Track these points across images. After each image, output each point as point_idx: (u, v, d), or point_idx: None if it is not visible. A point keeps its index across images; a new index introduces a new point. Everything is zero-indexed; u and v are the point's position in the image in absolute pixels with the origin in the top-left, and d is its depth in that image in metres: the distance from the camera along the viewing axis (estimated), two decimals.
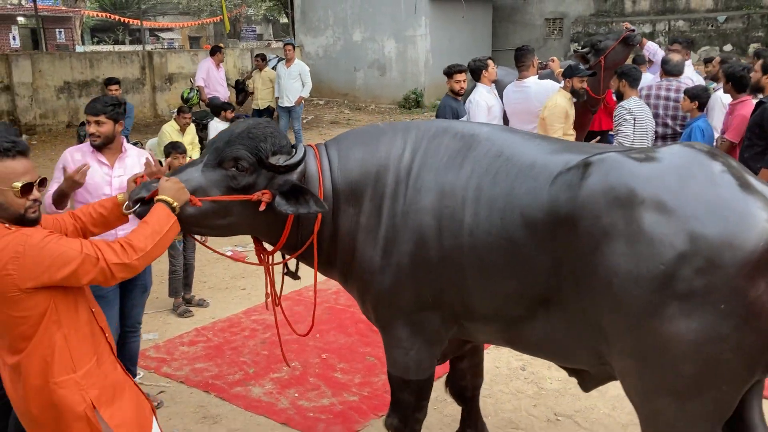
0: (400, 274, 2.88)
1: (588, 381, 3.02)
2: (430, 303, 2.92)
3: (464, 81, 7.01)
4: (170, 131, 7.68)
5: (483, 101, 6.56)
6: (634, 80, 6.15)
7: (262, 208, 2.74)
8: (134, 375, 4.42)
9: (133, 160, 4.07)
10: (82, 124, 10.01)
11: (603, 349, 2.60)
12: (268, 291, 3.17)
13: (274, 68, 12.71)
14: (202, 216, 2.73)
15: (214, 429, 4.12)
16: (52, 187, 3.74)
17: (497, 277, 2.73)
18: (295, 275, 3.22)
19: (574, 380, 4.53)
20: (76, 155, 4.00)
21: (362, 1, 19.14)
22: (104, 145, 3.94)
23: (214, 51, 12.39)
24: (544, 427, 4.07)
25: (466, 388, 3.66)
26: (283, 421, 4.19)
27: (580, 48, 7.83)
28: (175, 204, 2.61)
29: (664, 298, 2.29)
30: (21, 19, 30.17)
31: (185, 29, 35.74)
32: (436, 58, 18.59)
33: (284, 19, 38.73)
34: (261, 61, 12.56)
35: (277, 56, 14.93)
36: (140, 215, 2.65)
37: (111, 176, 3.95)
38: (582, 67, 6.75)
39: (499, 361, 4.89)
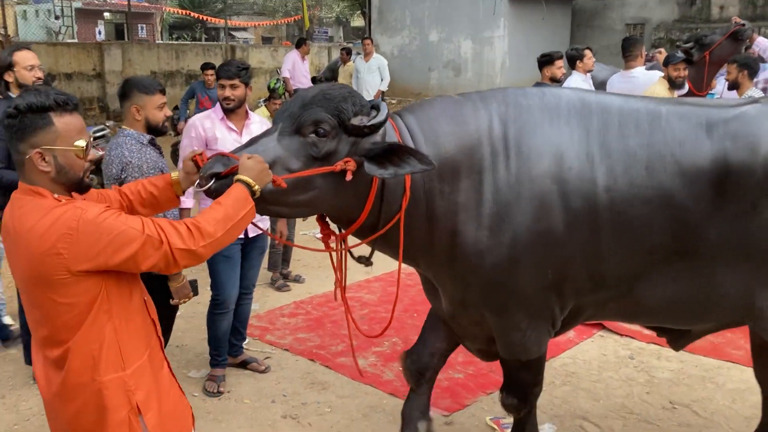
0: (516, 251, 2.66)
1: (684, 339, 3.12)
2: (550, 279, 2.74)
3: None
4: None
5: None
6: (753, 72, 5.95)
7: (349, 177, 2.43)
8: (243, 337, 4.48)
9: (257, 126, 4.14)
10: (176, 108, 10.38)
11: (755, 297, 2.68)
12: (338, 278, 2.82)
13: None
14: (281, 193, 2.39)
15: (323, 395, 4.15)
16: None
17: (642, 231, 2.64)
18: (368, 261, 2.89)
19: (687, 371, 4.45)
20: (205, 122, 4.08)
21: (440, 2, 19.14)
22: (235, 110, 4.02)
23: (300, 43, 12.59)
24: (660, 414, 3.95)
25: (428, 368, 3.36)
26: (390, 391, 4.18)
27: (683, 42, 7.62)
28: (256, 187, 2.24)
29: None
30: (107, 15, 31.41)
31: (259, 29, 36.45)
32: (513, 60, 18.45)
33: (355, 22, 39.07)
34: (346, 54, 12.72)
35: (358, 52, 15.10)
36: (215, 193, 2.31)
37: (240, 142, 4.03)
38: (679, 54, 6.60)
39: (606, 350, 4.78)
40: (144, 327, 2.25)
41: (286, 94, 12.00)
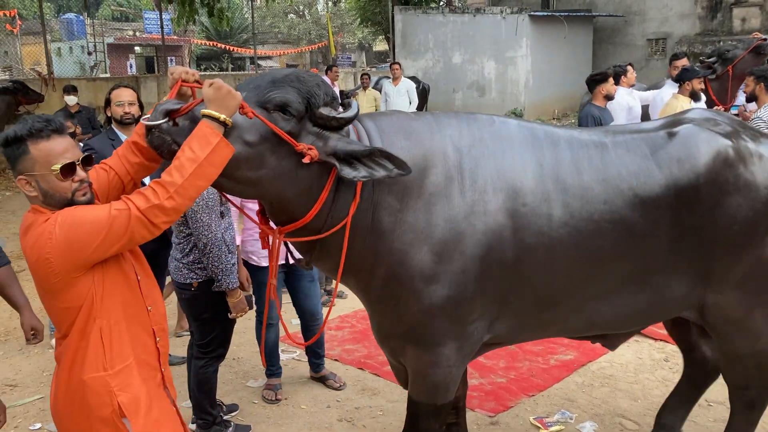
0: (466, 280, 2.60)
1: (620, 339, 3.29)
2: (492, 311, 2.74)
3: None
4: None
5: (624, 102, 6.92)
6: None
7: (306, 160, 2.29)
8: (321, 356, 4.72)
9: None
10: None
11: (706, 293, 2.93)
12: (271, 274, 2.67)
13: (375, 87, 13.23)
14: (232, 164, 2.19)
15: (374, 399, 4.41)
16: None
17: (598, 261, 2.74)
18: (308, 264, 2.74)
19: None
20: None
21: (463, 25, 19.56)
22: None
23: (329, 69, 13.01)
24: (696, 411, 4.12)
25: (458, 398, 3.30)
26: None
27: (706, 57, 7.84)
28: (222, 117, 2.11)
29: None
30: (137, 49, 32.36)
31: (283, 57, 37.18)
32: (536, 78, 18.76)
33: (378, 47, 39.72)
34: (367, 79, 13.09)
35: (379, 77, 15.52)
36: (167, 138, 2.16)
37: None
38: (698, 67, 6.85)
39: (641, 353, 4.98)
40: (135, 333, 2.26)
41: None
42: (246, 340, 5.38)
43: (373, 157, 2.38)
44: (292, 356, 5.11)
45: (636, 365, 4.79)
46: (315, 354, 4.71)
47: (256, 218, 2.70)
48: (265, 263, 4.22)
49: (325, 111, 2.38)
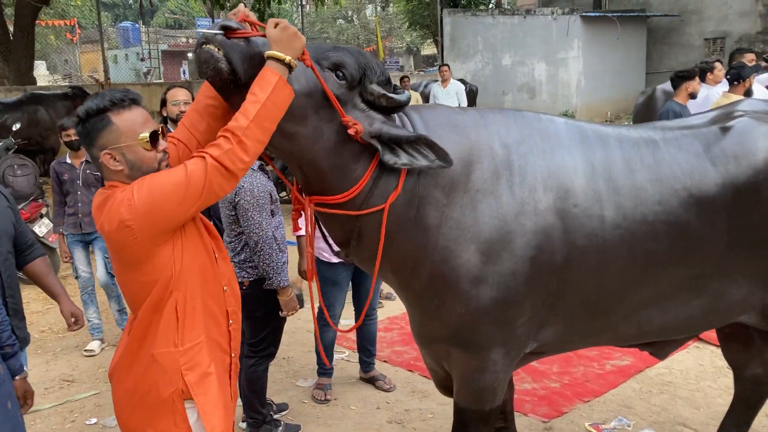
0: (516, 282, 2.49)
1: (670, 346, 3.10)
2: (538, 313, 2.61)
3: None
4: None
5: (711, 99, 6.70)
6: None
7: (351, 132, 2.21)
8: (372, 354, 4.70)
9: None
10: None
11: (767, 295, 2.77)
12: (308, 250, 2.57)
13: (423, 91, 13.26)
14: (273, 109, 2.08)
15: (425, 402, 4.35)
16: None
17: (653, 264, 2.62)
18: (346, 256, 2.61)
19: None
20: None
21: (512, 27, 19.35)
22: None
23: None
24: (763, 421, 3.94)
25: (506, 402, 3.19)
26: None
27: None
28: (288, 59, 2.03)
29: None
30: (190, 55, 33.06)
31: None
32: (588, 80, 18.42)
33: (426, 50, 39.69)
34: (407, 81, 13.09)
35: (428, 80, 15.52)
36: (216, 53, 2.04)
37: None
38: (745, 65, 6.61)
39: (702, 360, 4.80)
40: (210, 312, 2.18)
41: None
42: (296, 340, 5.38)
43: (417, 144, 2.29)
44: (342, 356, 5.09)
45: (697, 372, 4.61)
46: (366, 352, 4.67)
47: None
48: (335, 259, 4.22)
49: (376, 88, 2.29)
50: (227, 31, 2.06)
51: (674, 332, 2.90)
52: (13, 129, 9.64)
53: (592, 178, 2.56)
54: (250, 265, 3.70)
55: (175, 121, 4.45)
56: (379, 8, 33.64)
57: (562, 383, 4.52)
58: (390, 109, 2.35)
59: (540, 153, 2.56)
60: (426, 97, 13.48)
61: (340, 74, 2.24)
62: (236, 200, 3.68)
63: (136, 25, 32.25)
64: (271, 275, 3.64)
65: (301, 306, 3.88)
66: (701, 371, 4.62)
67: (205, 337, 2.15)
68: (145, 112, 2.12)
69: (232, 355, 2.28)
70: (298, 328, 5.54)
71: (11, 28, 14.91)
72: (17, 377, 2.69)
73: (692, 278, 2.69)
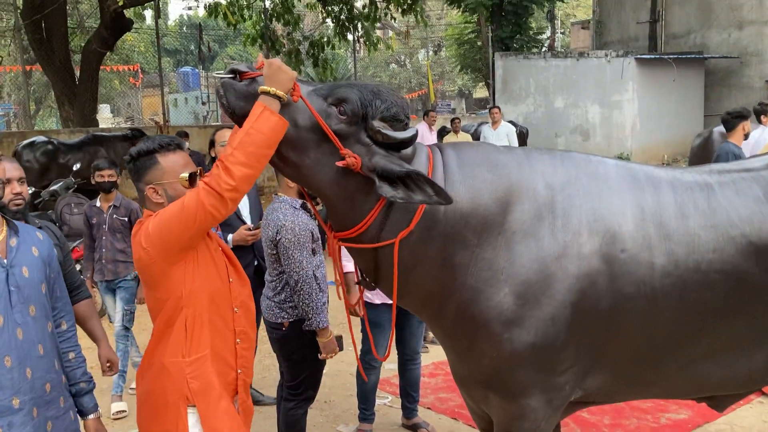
0: (556, 328, 2.40)
1: (730, 399, 2.87)
2: (581, 361, 2.50)
3: None
4: None
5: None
6: None
7: (341, 163, 2.26)
8: (415, 400, 4.58)
9: None
10: None
11: None
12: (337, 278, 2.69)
13: (469, 132, 13.23)
14: (280, 138, 2.25)
15: None
16: None
17: (706, 315, 2.48)
18: (369, 283, 2.60)
19: None
20: None
21: (565, 69, 19.25)
22: None
23: (426, 114, 13.12)
24: None
25: None
26: None
27: None
28: (272, 90, 2.20)
29: None
30: None
31: None
32: (643, 123, 18.10)
33: (477, 94, 39.87)
34: (458, 122, 13.08)
35: (479, 122, 15.51)
36: (222, 92, 2.30)
37: None
38: None
39: (767, 416, 4.50)
40: (217, 329, 2.42)
41: None
42: (338, 383, 5.30)
43: (412, 180, 2.27)
44: (385, 402, 4.98)
45: (760, 429, 4.32)
46: (409, 398, 4.56)
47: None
48: (378, 300, 4.17)
49: (377, 124, 2.30)
50: (238, 74, 2.31)
51: (734, 387, 2.72)
52: (74, 169, 9.97)
53: (641, 222, 2.46)
54: (290, 305, 3.66)
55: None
56: (431, 52, 34.05)
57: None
58: (397, 145, 2.34)
59: (586, 195, 2.48)
60: (477, 138, 13.46)
61: (341, 109, 2.30)
62: (277, 238, 3.66)
63: (196, 70, 33.38)
64: (310, 315, 3.58)
65: (341, 349, 3.80)
66: (765, 429, 4.33)
67: (210, 351, 2.40)
68: (186, 156, 2.50)
69: (239, 371, 2.49)
70: (341, 371, 5.46)
71: (78, 73, 15.58)
72: (91, 416, 2.63)
73: (754, 330, 2.53)
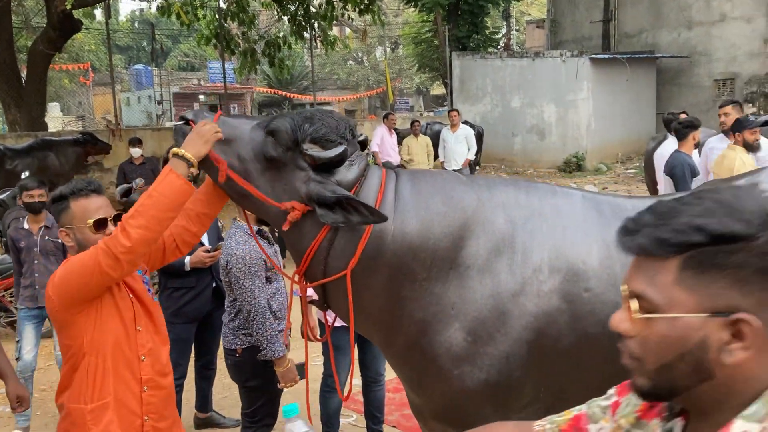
0: (510, 366, 2.33)
1: None
2: (543, 398, 2.43)
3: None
4: None
5: None
6: None
7: (285, 227, 2.32)
8: (381, 421, 4.53)
9: None
10: None
11: None
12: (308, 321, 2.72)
13: (423, 132, 13.21)
14: (229, 171, 2.37)
15: None
16: None
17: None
18: (323, 304, 2.61)
19: None
20: None
21: (521, 69, 19.43)
22: None
23: (386, 116, 13.04)
24: None
25: None
26: None
27: None
28: (181, 152, 2.26)
29: None
30: (202, 97, 33.48)
31: (342, 103, 37.82)
32: (598, 122, 18.39)
33: (435, 91, 40.04)
34: (418, 125, 13.02)
35: (428, 122, 15.51)
36: (173, 135, 2.45)
37: None
38: (752, 118, 6.46)
39: None
40: (118, 374, 2.47)
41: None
42: (302, 404, 5.18)
43: (347, 203, 2.27)
44: (349, 421, 4.91)
45: None
46: (374, 419, 4.50)
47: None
48: (339, 324, 4.09)
49: (306, 146, 2.32)
50: (188, 120, 2.45)
51: None
52: (23, 176, 9.63)
53: (607, 260, 2.38)
54: (243, 332, 3.60)
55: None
56: (388, 50, 34.02)
57: None
58: (331, 165, 2.34)
59: (549, 230, 2.40)
60: (434, 136, 13.45)
61: (275, 138, 2.35)
62: (228, 267, 3.57)
63: (149, 68, 32.73)
64: (264, 344, 3.51)
65: (302, 377, 3.71)
66: None
67: (113, 399, 2.46)
68: (101, 200, 2.56)
69: (145, 418, 2.53)
70: (303, 393, 5.35)
71: (24, 74, 15.07)
72: None
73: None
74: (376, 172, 2.48)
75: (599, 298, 2.35)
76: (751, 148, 6.09)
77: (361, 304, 2.41)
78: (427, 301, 2.36)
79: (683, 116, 7.06)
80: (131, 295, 2.57)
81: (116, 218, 2.50)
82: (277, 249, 3.88)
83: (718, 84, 19.76)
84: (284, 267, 3.81)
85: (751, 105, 17.99)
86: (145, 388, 2.53)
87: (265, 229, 3.77)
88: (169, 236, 2.56)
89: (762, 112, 14.87)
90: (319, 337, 3.88)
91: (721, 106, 6.67)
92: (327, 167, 2.35)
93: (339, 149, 2.34)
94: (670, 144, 6.73)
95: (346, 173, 2.39)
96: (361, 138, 2.51)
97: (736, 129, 6.14)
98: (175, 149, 2.29)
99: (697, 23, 19.93)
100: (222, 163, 2.34)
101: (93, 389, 2.43)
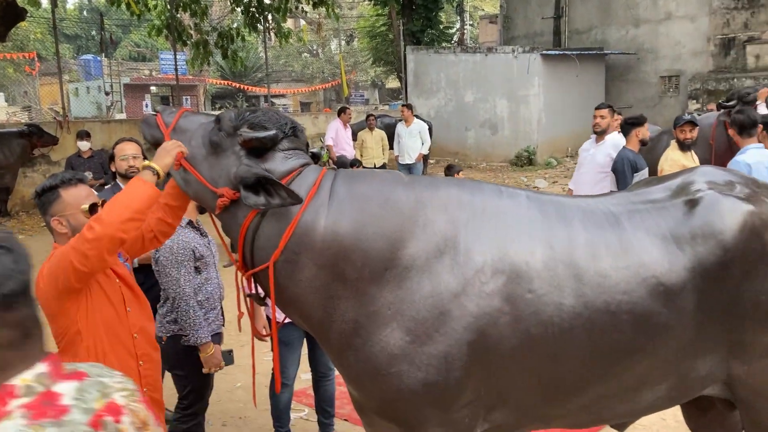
0: (448, 366, 2.34)
1: (628, 424, 2.98)
2: (484, 398, 2.47)
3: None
4: None
5: None
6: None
7: (216, 212, 2.51)
8: (331, 415, 4.57)
9: None
10: None
11: (732, 366, 2.67)
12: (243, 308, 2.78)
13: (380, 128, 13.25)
14: (182, 159, 2.57)
15: None
16: None
17: (621, 356, 2.50)
18: (261, 300, 2.70)
19: None
20: None
21: (474, 64, 19.63)
22: None
23: (341, 111, 13.03)
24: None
25: None
26: None
27: (725, 101, 7.72)
28: (151, 164, 2.54)
29: None
30: (153, 88, 32.84)
31: (297, 95, 37.60)
32: (549, 117, 18.73)
33: (390, 84, 40.12)
34: (373, 120, 13.05)
35: (381, 114, 15.53)
36: (144, 127, 2.77)
37: None
38: (685, 116, 6.68)
39: (665, 414, 4.77)
40: (116, 353, 2.68)
41: (330, 161, 12.50)
42: (252, 398, 5.21)
43: (268, 185, 2.36)
44: (300, 416, 4.95)
45: (659, 427, 4.59)
46: (325, 413, 4.55)
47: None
48: (287, 320, 4.12)
49: (242, 129, 2.47)
50: (157, 112, 2.76)
51: (637, 416, 2.82)
52: None
53: (551, 261, 2.42)
54: (167, 320, 3.70)
55: (124, 176, 4.31)
56: (343, 43, 33.91)
57: None
58: (262, 150, 2.46)
59: (493, 231, 2.44)
60: (384, 129, 13.47)
61: (219, 124, 2.54)
62: (156, 256, 3.69)
63: (98, 58, 31.93)
64: (188, 331, 3.64)
65: (228, 363, 3.82)
66: (663, 426, 4.60)
67: None
68: (88, 189, 2.79)
69: (144, 389, 2.68)
70: (258, 384, 5.37)
71: None
72: None
73: (660, 366, 2.58)
74: (314, 171, 2.51)
75: (542, 299, 2.38)
76: (684, 146, 6.34)
77: (290, 298, 2.47)
78: (360, 301, 2.37)
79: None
80: (118, 280, 2.80)
81: (104, 204, 2.66)
82: (211, 240, 3.93)
83: (663, 80, 20.32)
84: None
85: (695, 101, 18.56)
86: (141, 362, 2.79)
87: (195, 221, 3.89)
88: (147, 227, 2.77)
89: (705, 109, 15.36)
90: (264, 334, 3.95)
91: (596, 108, 6.65)
92: (259, 152, 2.45)
93: (270, 132, 2.44)
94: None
95: (280, 165, 2.46)
96: (314, 150, 2.66)
97: (674, 126, 6.41)
98: (145, 162, 2.58)
99: (644, 21, 20.46)
100: (178, 154, 2.56)
101: None
